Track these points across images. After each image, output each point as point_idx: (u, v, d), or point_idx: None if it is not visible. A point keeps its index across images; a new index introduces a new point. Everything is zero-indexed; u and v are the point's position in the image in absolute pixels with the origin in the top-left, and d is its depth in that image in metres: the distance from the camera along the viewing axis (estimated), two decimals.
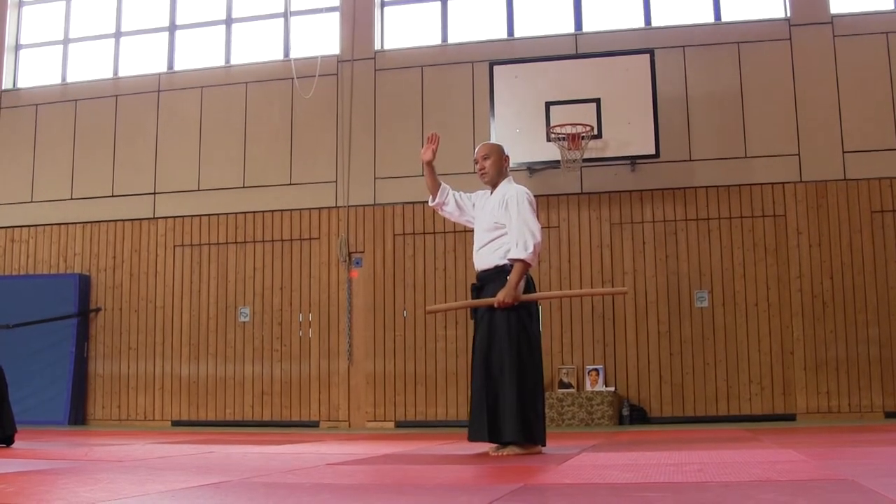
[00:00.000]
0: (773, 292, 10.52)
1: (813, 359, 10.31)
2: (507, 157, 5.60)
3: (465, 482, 3.81)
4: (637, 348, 10.68)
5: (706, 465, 4.12)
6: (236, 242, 11.87)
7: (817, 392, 10.26)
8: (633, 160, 10.72)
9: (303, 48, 12.17)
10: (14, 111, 12.94)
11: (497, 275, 5.24)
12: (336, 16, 12.13)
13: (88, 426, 11.58)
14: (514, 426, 5.02)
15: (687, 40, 11.12)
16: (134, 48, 12.92)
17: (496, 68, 10.80)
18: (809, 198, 10.59)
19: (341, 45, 12.00)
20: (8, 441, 6.36)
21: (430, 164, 5.61)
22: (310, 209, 11.71)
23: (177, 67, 12.66)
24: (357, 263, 11.51)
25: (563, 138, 10.29)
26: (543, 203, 11.04)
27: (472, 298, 5.41)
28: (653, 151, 10.37)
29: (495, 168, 5.47)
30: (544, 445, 5.23)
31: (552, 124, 10.39)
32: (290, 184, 11.83)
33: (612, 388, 10.48)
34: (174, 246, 12.05)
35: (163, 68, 12.65)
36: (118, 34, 12.96)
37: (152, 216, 12.19)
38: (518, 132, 10.62)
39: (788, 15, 11.01)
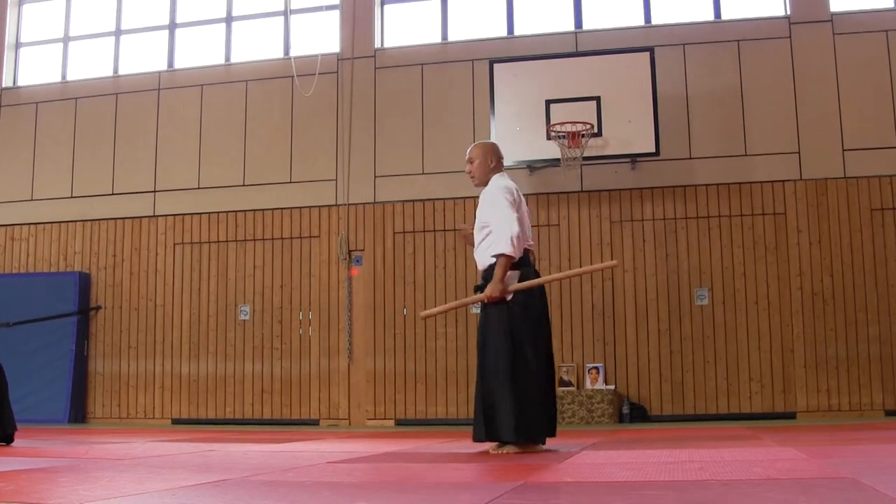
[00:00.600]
0: (773, 290, 10.52)
1: (813, 357, 10.31)
2: (497, 155, 5.46)
3: (465, 480, 3.80)
4: (637, 346, 10.68)
5: (706, 463, 4.12)
6: (236, 240, 11.87)
7: (817, 390, 10.26)
8: (634, 158, 10.72)
9: (303, 46, 12.16)
10: (14, 109, 12.93)
11: (492, 272, 5.22)
12: (336, 14, 12.13)
13: (88, 424, 11.58)
14: (510, 425, 4.99)
15: (687, 38, 11.11)
16: (134, 46, 12.91)
17: (496, 66, 10.80)
18: (809, 196, 10.59)
19: (341, 44, 11.99)
20: (8, 439, 6.36)
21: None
22: (310, 207, 11.71)
23: (177, 65, 12.65)
24: (357, 261, 11.51)
25: (564, 136, 10.29)
26: (544, 201, 11.05)
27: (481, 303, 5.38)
28: (653, 149, 10.37)
29: (481, 170, 5.42)
30: (551, 437, 5.20)
31: (552, 122, 10.39)
32: (291, 182, 11.83)
33: (613, 387, 10.48)
34: (174, 244, 12.05)
35: (163, 66, 12.64)
36: (118, 32, 12.96)
37: (152, 214, 12.19)
38: (518, 130, 10.62)
39: (788, 13, 11.01)
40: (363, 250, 11.49)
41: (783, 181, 10.67)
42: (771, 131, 10.79)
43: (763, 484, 3.18)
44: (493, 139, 10.66)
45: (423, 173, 11.38)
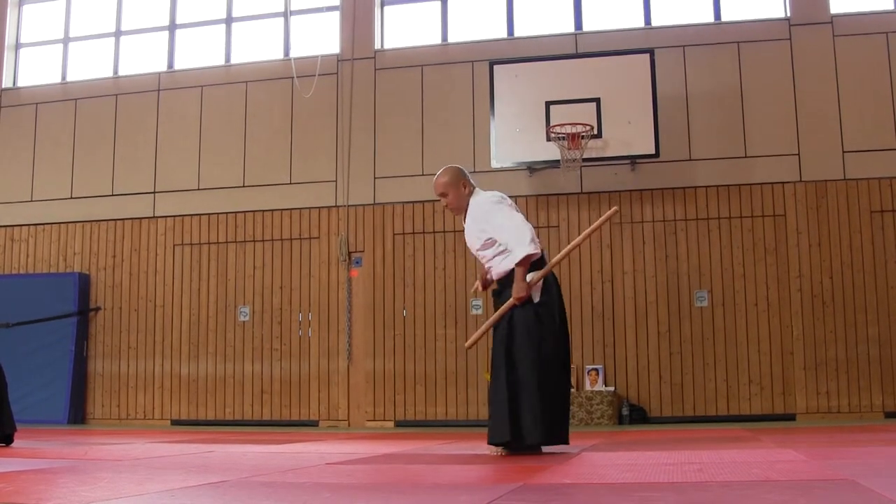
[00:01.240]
0: (773, 292, 10.52)
1: (812, 359, 10.31)
2: (464, 178, 5.37)
3: (464, 481, 3.80)
4: (637, 348, 10.68)
5: (706, 464, 4.12)
6: (236, 241, 11.87)
7: (817, 392, 10.26)
8: (633, 160, 10.72)
9: (303, 47, 12.17)
10: (14, 110, 12.93)
11: (511, 277, 5.22)
12: (336, 15, 12.13)
13: (88, 425, 11.58)
14: (539, 429, 4.99)
15: (687, 40, 11.12)
16: (134, 47, 12.92)
17: (496, 68, 10.80)
18: (809, 197, 10.59)
19: (341, 45, 11.99)
20: (7, 440, 6.35)
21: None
22: (309, 208, 11.71)
23: (177, 66, 12.65)
24: (357, 263, 11.51)
25: (564, 138, 10.29)
26: (543, 202, 11.05)
27: (494, 302, 5.39)
28: (653, 151, 10.37)
29: (457, 200, 5.37)
30: (565, 444, 5.20)
31: (552, 124, 10.39)
32: (290, 183, 11.83)
33: (612, 388, 10.48)
34: (174, 245, 12.05)
35: (163, 67, 12.64)
36: (118, 33, 12.96)
37: (152, 215, 12.19)
38: (518, 132, 10.63)
39: (788, 15, 11.01)
40: (363, 251, 11.49)
41: (783, 183, 10.67)
42: (771, 133, 10.79)
43: (762, 485, 3.18)
44: (492, 140, 10.68)
45: (423, 174, 11.38)
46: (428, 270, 11.29)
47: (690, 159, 10.89)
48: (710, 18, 11.29)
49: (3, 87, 13.03)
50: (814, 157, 10.65)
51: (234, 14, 12.62)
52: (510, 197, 5.57)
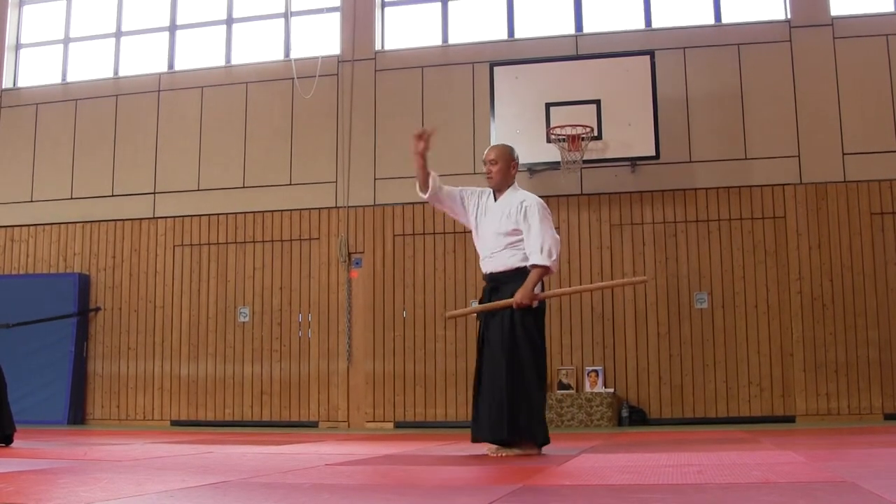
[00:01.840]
0: (773, 294, 10.52)
1: (812, 360, 10.31)
2: (516, 162, 5.56)
3: (464, 483, 3.80)
4: (636, 350, 10.68)
5: (705, 466, 4.12)
6: (236, 242, 11.87)
7: (817, 394, 10.26)
8: (634, 161, 10.72)
9: (303, 48, 12.17)
10: (14, 110, 12.94)
11: (516, 276, 5.27)
12: (337, 16, 12.14)
13: (87, 426, 11.57)
14: (541, 429, 5.13)
15: (687, 42, 11.12)
16: (134, 48, 12.92)
17: (496, 69, 10.80)
18: (809, 200, 10.59)
19: (342, 46, 12.00)
20: (7, 440, 6.35)
21: (423, 154, 5.61)
22: (310, 209, 11.71)
23: (177, 67, 12.66)
24: (357, 264, 11.51)
25: (564, 139, 10.29)
26: None
27: (486, 299, 5.39)
28: (653, 153, 10.37)
29: (501, 174, 5.47)
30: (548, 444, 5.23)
31: (552, 125, 10.39)
32: (290, 184, 11.83)
33: (612, 390, 10.48)
34: (174, 246, 12.05)
35: (163, 68, 12.65)
36: (119, 34, 12.96)
37: (152, 216, 12.19)
38: (518, 133, 10.61)
39: (789, 17, 11.02)
40: (363, 252, 11.49)
41: (783, 185, 10.67)
42: (771, 135, 10.80)
43: (762, 487, 3.18)
44: (493, 142, 10.66)
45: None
46: (428, 272, 11.29)
47: (690, 161, 10.89)
48: (711, 20, 11.30)
49: (4, 87, 13.03)
50: (814, 159, 10.65)
51: (235, 15, 12.63)
52: None
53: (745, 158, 10.81)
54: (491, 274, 5.39)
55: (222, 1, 12.66)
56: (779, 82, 10.87)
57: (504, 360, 5.14)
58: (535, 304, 5.25)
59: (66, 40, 13.14)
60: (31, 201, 12.63)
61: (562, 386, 10.58)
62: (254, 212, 11.85)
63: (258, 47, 12.49)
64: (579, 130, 10.26)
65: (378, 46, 11.94)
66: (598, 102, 10.44)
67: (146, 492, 3.37)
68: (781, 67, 10.89)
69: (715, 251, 10.72)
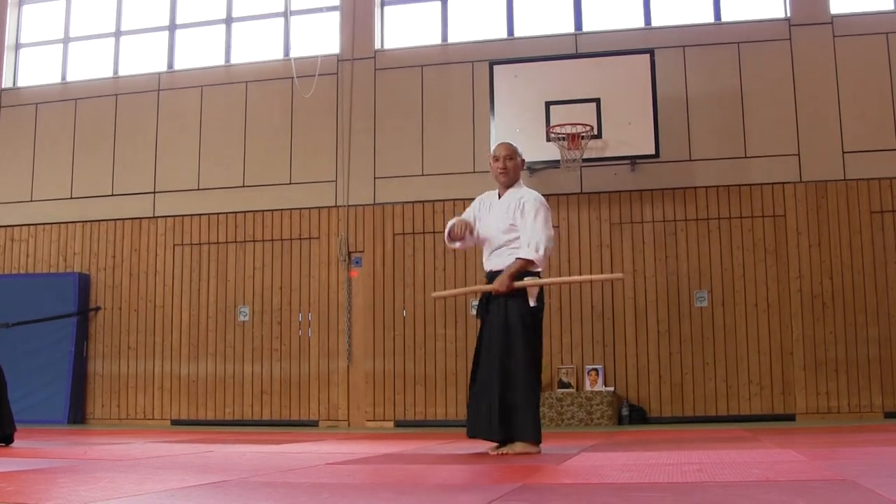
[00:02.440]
0: (773, 292, 10.52)
1: (812, 359, 10.31)
2: (523, 159, 5.63)
3: (464, 482, 3.80)
4: (637, 348, 10.68)
5: (705, 465, 4.12)
6: (236, 242, 11.87)
7: (816, 392, 10.26)
8: (633, 160, 10.72)
9: (303, 47, 12.17)
10: (14, 110, 12.93)
11: (526, 277, 5.28)
12: (336, 15, 12.13)
13: (88, 425, 11.58)
14: (535, 426, 5.12)
15: (687, 40, 11.12)
16: (134, 47, 12.92)
17: (496, 68, 10.80)
18: (809, 198, 10.59)
19: (341, 45, 12.00)
20: (7, 440, 6.35)
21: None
22: (309, 209, 11.71)
23: (177, 66, 12.65)
24: (357, 263, 11.51)
25: (563, 138, 10.29)
26: None
27: (485, 298, 5.43)
28: (653, 151, 10.37)
29: (516, 171, 5.53)
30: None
31: (552, 124, 10.39)
32: (290, 183, 11.83)
33: (612, 388, 10.48)
34: (174, 245, 12.05)
35: (163, 67, 12.64)
36: (118, 33, 12.96)
37: (152, 215, 12.19)
38: (518, 132, 10.61)
39: (788, 15, 11.01)
40: (363, 252, 11.49)
41: (783, 183, 10.67)
42: (771, 133, 10.79)
43: (762, 486, 3.18)
44: (492, 141, 10.66)
45: (423, 175, 11.39)
46: (428, 271, 11.29)
47: (690, 159, 10.89)
48: (711, 19, 11.30)
49: (3, 87, 13.03)
50: (814, 158, 10.65)
51: (234, 14, 12.62)
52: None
53: (745, 157, 10.80)
54: (490, 272, 5.41)
55: (222, 0, 12.65)
56: (778, 81, 10.86)
57: (499, 358, 5.15)
58: (533, 301, 5.24)
59: (66, 40, 13.14)
60: (31, 201, 12.63)
61: (562, 384, 10.58)
62: (253, 211, 11.85)
63: (258, 46, 12.49)
64: (579, 129, 10.26)
65: (378, 45, 11.94)
66: (597, 101, 10.44)
67: (146, 491, 3.37)
68: (781, 66, 10.88)
69: (715, 249, 10.72)
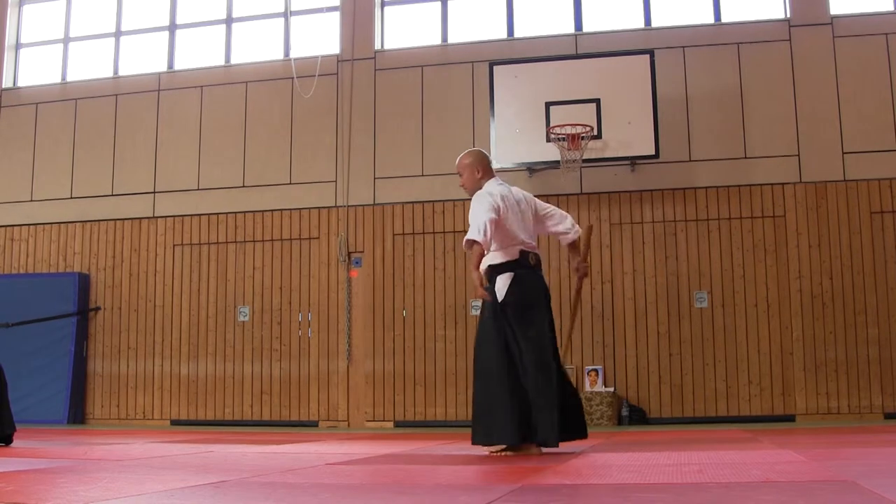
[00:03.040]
0: (773, 293, 10.52)
1: (812, 359, 10.31)
2: (482, 164, 5.51)
3: (464, 482, 3.80)
4: (636, 349, 10.68)
5: (705, 465, 4.12)
6: (236, 242, 11.87)
7: (816, 393, 10.26)
8: (633, 160, 10.72)
9: (303, 48, 12.17)
10: (14, 110, 12.93)
11: (489, 275, 5.33)
12: (336, 15, 12.13)
13: (87, 425, 11.57)
14: (475, 426, 5.17)
15: (687, 41, 11.12)
16: (134, 47, 12.92)
17: (496, 68, 10.80)
18: (809, 198, 10.59)
19: (341, 45, 11.99)
20: (7, 440, 6.35)
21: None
22: (309, 209, 11.71)
23: (177, 67, 12.65)
24: (356, 263, 11.51)
25: (563, 138, 10.29)
26: None
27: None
28: (652, 152, 10.37)
29: (470, 182, 5.51)
30: (567, 440, 5.23)
31: (552, 124, 10.39)
32: (290, 183, 11.83)
33: (612, 389, 10.48)
34: (174, 245, 12.05)
35: (163, 67, 12.64)
36: (118, 33, 12.96)
37: (152, 215, 12.19)
38: (518, 132, 10.63)
39: (788, 16, 11.01)
40: (362, 252, 11.49)
41: (783, 184, 10.67)
42: (771, 134, 10.80)
43: (762, 487, 3.18)
44: (492, 141, 10.67)
45: (423, 175, 11.38)
46: (428, 271, 11.29)
47: (690, 160, 10.89)
48: (710, 19, 11.30)
49: (3, 87, 13.03)
50: (814, 158, 10.65)
51: (235, 14, 12.62)
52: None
53: (745, 157, 10.80)
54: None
55: (222, 0, 12.65)
56: (778, 81, 10.86)
57: (514, 360, 5.19)
58: (501, 295, 5.19)
59: (66, 40, 13.13)
60: (31, 201, 12.63)
61: None
62: (253, 211, 11.85)
63: (258, 47, 12.49)
64: (579, 129, 10.26)
65: (378, 46, 11.94)
66: (597, 101, 10.44)
67: (146, 491, 3.37)
68: (781, 66, 10.88)
69: (715, 250, 10.72)
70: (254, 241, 11.81)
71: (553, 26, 11.62)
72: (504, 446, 5.10)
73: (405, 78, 11.71)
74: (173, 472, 4.23)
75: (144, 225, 12.18)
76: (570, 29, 11.53)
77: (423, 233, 11.33)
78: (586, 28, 11.49)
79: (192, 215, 12.03)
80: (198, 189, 12.10)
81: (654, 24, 11.40)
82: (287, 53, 12.19)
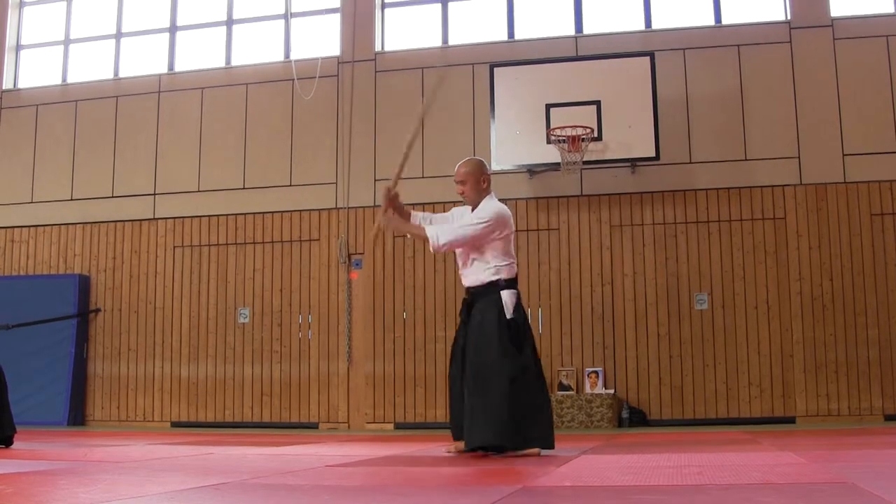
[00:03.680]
0: (773, 295, 10.52)
1: (812, 361, 10.31)
2: (486, 174, 5.51)
3: (464, 484, 3.80)
4: (637, 350, 10.68)
5: (706, 467, 4.12)
6: (236, 243, 11.87)
7: (817, 394, 10.25)
8: (634, 162, 10.72)
9: (303, 49, 12.17)
10: (14, 111, 12.94)
11: (489, 289, 5.35)
12: (337, 17, 12.14)
13: (88, 427, 11.57)
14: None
15: (687, 43, 11.12)
16: (135, 49, 12.92)
17: (497, 70, 10.80)
18: (809, 200, 10.59)
19: (342, 47, 12.00)
20: (7, 442, 6.35)
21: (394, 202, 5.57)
22: (310, 210, 11.71)
23: (177, 68, 12.66)
24: (357, 265, 11.51)
25: (564, 140, 10.29)
26: (543, 205, 11.04)
27: (464, 314, 5.58)
28: (653, 154, 10.37)
29: (474, 191, 5.47)
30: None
31: (552, 126, 10.39)
32: (291, 185, 11.83)
33: (612, 391, 10.47)
34: (174, 247, 12.05)
35: (163, 69, 12.65)
36: (119, 35, 12.96)
37: (152, 217, 12.19)
38: (518, 134, 10.63)
39: (789, 17, 11.02)
40: (363, 254, 11.49)
41: (783, 186, 10.67)
42: (771, 136, 10.80)
43: (762, 489, 3.18)
44: (493, 143, 10.68)
45: (423, 177, 11.38)
46: (428, 273, 11.29)
47: (691, 162, 10.89)
48: (711, 21, 11.30)
49: (4, 88, 13.04)
50: (814, 160, 10.66)
51: (235, 16, 12.63)
52: (511, 199, 5.63)
53: (746, 159, 10.81)
54: (468, 288, 5.52)
55: (222, 2, 12.66)
56: (779, 83, 10.87)
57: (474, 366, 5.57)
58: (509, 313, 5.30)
59: (67, 41, 13.14)
60: (32, 202, 12.63)
61: (562, 387, 10.58)
62: (254, 213, 11.85)
63: (258, 48, 12.49)
64: (579, 131, 10.26)
65: (378, 48, 11.95)
66: (598, 103, 10.44)
67: (146, 493, 3.37)
68: (781, 68, 10.89)
69: (715, 252, 10.72)
70: (254, 242, 11.81)
71: (553, 28, 11.63)
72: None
73: (406, 80, 11.71)
74: (173, 473, 4.23)
75: (145, 226, 12.18)
76: (571, 31, 11.54)
77: None
78: (587, 30, 11.49)
79: (192, 217, 12.03)
80: (198, 191, 12.11)
81: (655, 26, 11.40)
82: (287, 55, 12.20)
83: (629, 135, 10.39)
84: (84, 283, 12.12)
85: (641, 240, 10.87)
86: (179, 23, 12.79)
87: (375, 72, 11.84)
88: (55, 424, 11.38)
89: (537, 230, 10.95)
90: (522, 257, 10.81)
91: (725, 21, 11.25)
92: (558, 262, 10.92)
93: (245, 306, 11.71)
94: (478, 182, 5.45)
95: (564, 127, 10.30)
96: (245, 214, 11.88)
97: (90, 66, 12.98)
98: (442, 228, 5.37)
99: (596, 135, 10.33)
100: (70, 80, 12.98)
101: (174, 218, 12.09)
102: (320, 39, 12.18)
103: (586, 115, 10.38)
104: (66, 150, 12.62)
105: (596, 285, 10.82)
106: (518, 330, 5.28)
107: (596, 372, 10.61)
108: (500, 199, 5.60)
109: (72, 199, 12.49)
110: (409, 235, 5.73)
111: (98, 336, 12.09)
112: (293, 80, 11.82)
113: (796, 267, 10.51)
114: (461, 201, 5.72)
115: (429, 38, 11.96)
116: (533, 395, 5.20)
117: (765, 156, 10.77)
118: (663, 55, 10.81)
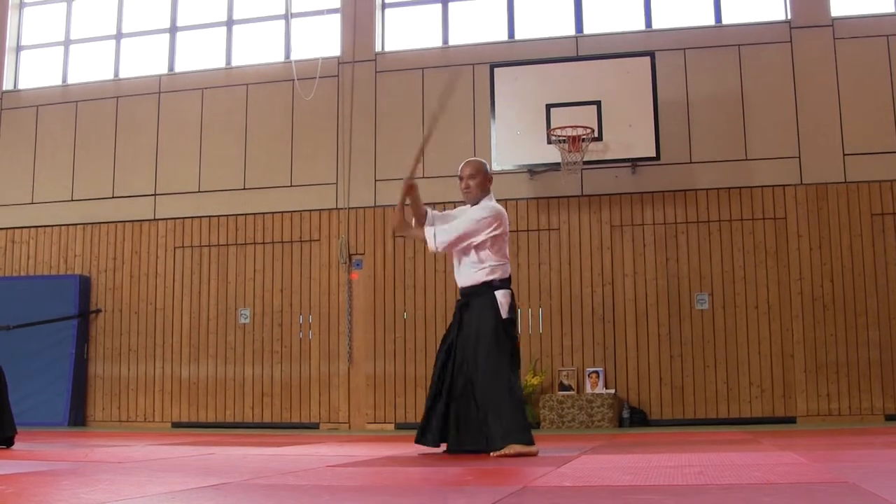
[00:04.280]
0: (774, 295, 10.52)
1: (813, 361, 10.31)
2: (490, 176, 5.59)
3: (464, 484, 3.80)
4: (637, 350, 10.68)
5: (706, 467, 4.12)
6: (237, 244, 11.87)
7: (817, 395, 10.25)
8: (634, 162, 10.72)
9: (304, 50, 12.18)
10: (15, 112, 12.94)
11: (483, 289, 5.38)
12: (337, 18, 12.14)
13: (88, 427, 11.57)
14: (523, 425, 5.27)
15: (688, 42, 11.12)
16: (135, 49, 12.93)
17: (497, 70, 10.81)
18: (810, 200, 10.59)
19: (342, 47, 12.00)
20: (8, 442, 6.35)
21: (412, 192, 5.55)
22: (310, 211, 11.71)
23: (178, 69, 12.66)
24: (357, 265, 11.51)
25: (564, 140, 10.29)
26: (544, 205, 11.04)
27: (458, 314, 5.55)
28: (653, 154, 10.37)
29: (480, 188, 5.51)
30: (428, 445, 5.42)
31: (553, 126, 10.39)
32: (291, 185, 11.84)
33: (613, 391, 10.47)
34: (174, 247, 12.05)
35: (164, 70, 12.65)
36: (119, 35, 12.97)
37: (153, 217, 12.19)
38: (518, 134, 10.63)
39: (789, 17, 11.02)
40: (363, 254, 11.49)
41: (784, 186, 10.67)
42: (772, 136, 10.80)
43: (763, 488, 3.18)
44: (493, 143, 10.68)
45: (424, 177, 11.34)
46: (428, 273, 11.29)
47: (691, 162, 10.89)
48: (711, 21, 11.30)
49: (4, 89, 13.04)
50: (814, 160, 10.66)
51: (235, 16, 12.63)
52: (512, 199, 5.65)
53: (746, 159, 10.81)
54: (461, 288, 5.53)
55: (223, 2, 12.66)
56: (779, 83, 10.87)
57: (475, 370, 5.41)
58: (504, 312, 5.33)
59: (67, 42, 13.15)
60: (32, 203, 12.63)
61: (563, 387, 10.58)
62: (254, 213, 11.85)
63: (258, 49, 12.50)
64: (580, 132, 10.26)
65: (378, 48, 11.95)
66: (598, 103, 10.44)
67: (147, 493, 3.37)
68: (782, 68, 10.89)
69: (715, 252, 10.72)
70: (254, 243, 11.82)
71: (554, 28, 11.63)
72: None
73: (406, 80, 11.72)
74: (174, 474, 4.23)
75: (145, 227, 12.19)
76: (571, 31, 11.54)
77: None
78: (587, 30, 11.50)
79: (192, 217, 12.04)
80: (198, 191, 12.11)
81: (655, 25, 11.40)
82: (288, 55, 12.20)
83: (629, 135, 10.39)
84: (84, 284, 12.13)
85: (642, 240, 10.87)
86: (179, 23, 12.79)
87: (376, 72, 11.84)
88: (56, 425, 11.39)
89: (538, 230, 10.95)
90: (523, 257, 10.82)
91: (726, 21, 11.26)
92: (559, 262, 10.92)
93: (245, 307, 11.71)
94: (484, 181, 5.53)
95: (565, 127, 10.30)
96: (245, 215, 11.88)
97: (90, 67, 12.99)
98: (440, 228, 5.39)
99: (596, 135, 10.34)
100: (70, 80, 12.98)
101: (174, 218, 12.10)
102: (320, 40, 12.18)
103: (586, 115, 10.38)
104: (66, 150, 12.63)
105: (596, 285, 10.82)
106: (513, 330, 5.40)
107: (596, 372, 10.61)
108: (500, 200, 5.70)
109: (72, 200, 12.49)
110: (412, 233, 5.75)
111: (99, 336, 12.10)
112: (293, 80, 11.82)
113: (797, 267, 10.51)
114: (462, 201, 5.73)
115: (429, 39, 11.97)
116: (520, 392, 5.36)
117: (765, 156, 10.77)
118: (664, 55, 10.81)
